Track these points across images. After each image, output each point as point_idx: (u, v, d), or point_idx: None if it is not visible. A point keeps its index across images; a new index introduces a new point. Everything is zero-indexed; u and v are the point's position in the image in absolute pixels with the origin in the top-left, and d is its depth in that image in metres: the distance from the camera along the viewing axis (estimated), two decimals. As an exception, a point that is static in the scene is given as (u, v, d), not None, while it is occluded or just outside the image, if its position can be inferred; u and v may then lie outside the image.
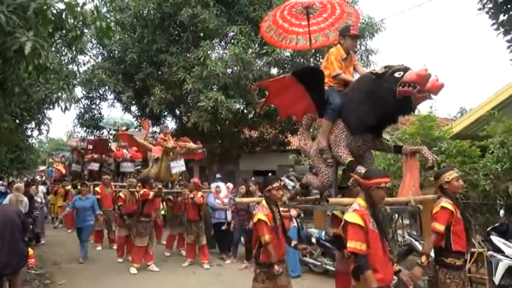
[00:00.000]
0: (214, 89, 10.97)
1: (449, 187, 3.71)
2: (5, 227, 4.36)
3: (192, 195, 7.60)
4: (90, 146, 11.96)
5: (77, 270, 7.16)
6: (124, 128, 11.68)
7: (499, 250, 4.66)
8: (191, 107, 11.75)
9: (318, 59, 11.16)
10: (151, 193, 7.34)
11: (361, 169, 3.54)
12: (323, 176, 3.99)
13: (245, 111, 13.19)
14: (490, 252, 4.79)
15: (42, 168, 28.90)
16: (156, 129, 13.76)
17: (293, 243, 4.15)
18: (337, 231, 3.96)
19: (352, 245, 2.93)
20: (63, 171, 15.41)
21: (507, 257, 4.56)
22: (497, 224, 5.09)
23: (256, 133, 15.33)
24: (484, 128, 6.49)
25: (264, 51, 11.12)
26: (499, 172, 5.50)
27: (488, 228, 5.01)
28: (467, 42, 63.57)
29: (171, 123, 15.68)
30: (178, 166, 8.00)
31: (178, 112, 13.96)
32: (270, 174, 10.66)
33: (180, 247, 8.70)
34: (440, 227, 3.55)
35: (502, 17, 5.66)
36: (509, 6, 5.54)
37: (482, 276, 5.15)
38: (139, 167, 11.24)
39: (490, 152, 5.81)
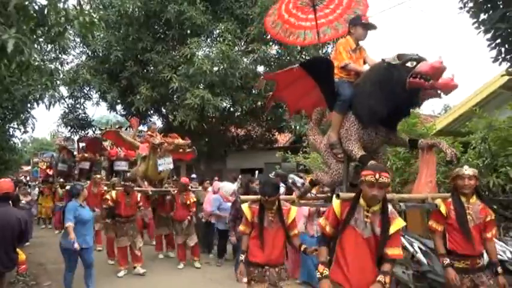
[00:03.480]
0: (201, 87, 10.94)
1: (455, 183, 3.62)
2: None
3: (186, 201, 7.34)
4: (82, 144, 11.79)
5: (63, 272, 7.03)
6: (117, 126, 11.46)
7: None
8: (178, 105, 11.69)
9: (304, 56, 11.25)
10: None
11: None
12: (333, 172, 3.76)
13: (232, 109, 13.18)
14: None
15: (26, 168, 28.22)
16: (144, 128, 13.68)
17: (302, 247, 3.74)
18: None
19: (321, 221, 3.01)
20: (49, 171, 15.14)
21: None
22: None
23: (243, 131, 15.35)
24: (466, 124, 6.61)
25: (250, 48, 11.14)
26: (481, 167, 5.59)
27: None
28: (450, 40, 64.54)
29: (157, 122, 15.60)
30: (165, 164, 7.76)
31: (164, 110, 13.85)
32: (257, 172, 10.72)
33: (169, 249, 8.41)
34: (432, 224, 3.58)
35: (482, 16, 5.74)
36: (489, 5, 5.63)
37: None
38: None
39: (472, 147, 5.91)
